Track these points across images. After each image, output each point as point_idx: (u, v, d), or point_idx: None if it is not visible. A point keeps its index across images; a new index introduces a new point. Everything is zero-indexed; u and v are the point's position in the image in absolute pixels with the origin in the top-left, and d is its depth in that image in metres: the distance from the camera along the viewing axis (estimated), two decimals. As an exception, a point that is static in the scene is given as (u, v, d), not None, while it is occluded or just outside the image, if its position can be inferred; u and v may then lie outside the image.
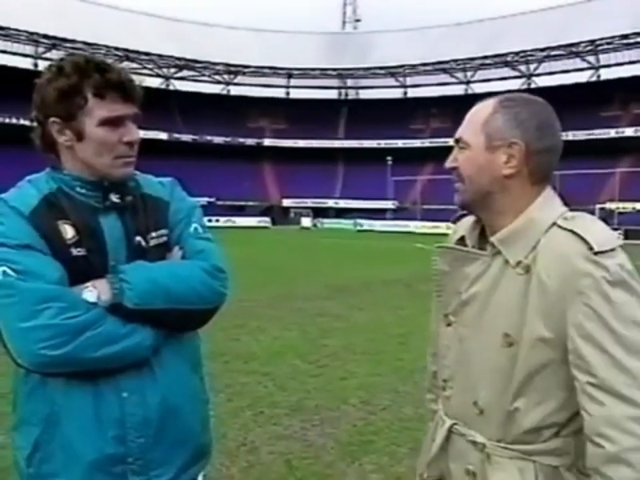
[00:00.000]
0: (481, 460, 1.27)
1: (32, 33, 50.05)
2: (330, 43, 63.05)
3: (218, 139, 60.01)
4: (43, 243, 1.33)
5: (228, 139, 60.46)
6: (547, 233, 1.20)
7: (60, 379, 1.35)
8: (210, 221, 49.12)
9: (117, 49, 53.97)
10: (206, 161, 55.68)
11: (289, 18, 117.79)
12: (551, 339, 1.15)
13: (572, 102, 49.35)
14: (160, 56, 57.07)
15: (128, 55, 55.75)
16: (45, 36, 50.67)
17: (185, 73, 62.16)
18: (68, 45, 52.30)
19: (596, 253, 1.11)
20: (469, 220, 1.39)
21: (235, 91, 65.35)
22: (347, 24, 72.62)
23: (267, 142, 62.25)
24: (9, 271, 1.27)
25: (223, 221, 49.39)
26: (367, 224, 48.22)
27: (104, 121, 1.35)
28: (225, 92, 65.24)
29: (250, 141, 61.63)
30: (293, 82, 65.09)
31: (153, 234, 1.47)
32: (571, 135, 48.30)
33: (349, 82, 67.45)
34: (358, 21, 72.68)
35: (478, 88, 61.25)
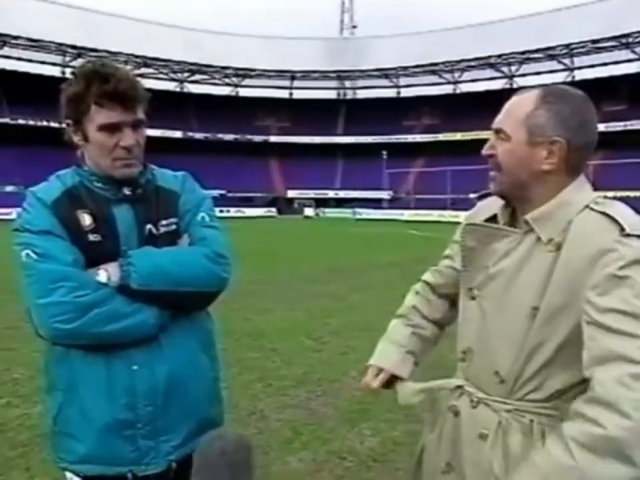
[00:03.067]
0: (498, 423, 1.21)
1: (60, 44, 49.70)
2: (329, 47, 62.43)
3: (228, 137, 59.74)
4: (62, 229, 1.38)
5: (237, 137, 60.19)
6: (579, 215, 1.14)
7: (79, 350, 1.39)
8: (221, 211, 49.09)
9: (135, 56, 53.58)
10: (217, 156, 55.47)
11: (291, 25, 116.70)
12: (570, 308, 1.10)
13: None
14: (175, 62, 56.64)
15: (146, 61, 55.34)
16: (72, 46, 50.27)
17: (197, 76, 61.71)
18: (92, 54, 51.95)
19: (626, 235, 1.06)
20: (499, 200, 1.30)
21: (243, 92, 64.90)
22: (345, 30, 71.93)
23: (273, 139, 61.92)
24: (31, 254, 1.34)
25: (233, 212, 49.35)
26: (364, 213, 48.10)
27: (102, 127, 1.37)
28: (234, 94, 64.78)
29: (257, 138, 61.32)
30: (295, 83, 64.62)
31: (163, 222, 1.49)
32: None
33: (347, 83, 66.91)
34: (355, 27, 71.89)
35: (465, 87, 60.83)
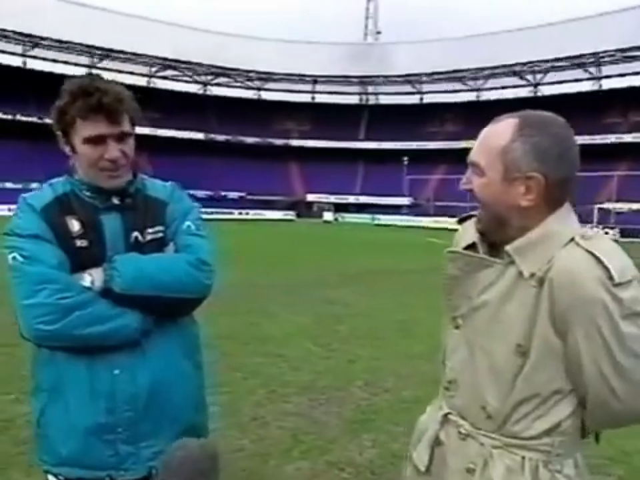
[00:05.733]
0: (484, 459, 1.19)
1: (87, 45, 50.61)
2: (352, 52, 62.46)
3: (249, 140, 60.10)
4: (50, 234, 1.42)
5: (258, 140, 60.50)
6: (563, 249, 1.09)
7: (63, 352, 1.41)
8: (240, 213, 49.54)
9: (159, 58, 54.35)
10: (238, 159, 55.86)
11: (315, 30, 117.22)
12: (558, 352, 1.11)
13: (575, 109, 48.33)
14: (198, 64, 57.23)
15: (170, 63, 56.08)
16: (99, 47, 51.19)
17: (220, 79, 62.28)
18: (119, 55, 52.87)
19: (615, 284, 1.03)
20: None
21: (265, 95, 65.31)
22: (368, 36, 71.88)
23: (294, 142, 62.11)
24: (18, 257, 1.38)
25: (252, 214, 49.68)
26: (383, 218, 47.95)
27: (86, 140, 1.41)
28: (256, 97, 65.21)
29: (278, 142, 61.56)
30: (317, 87, 64.80)
31: (150, 230, 1.52)
32: (579, 140, 47.49)
33: (370, 88, 66.85)
34: (379, 33, 71.81)
35: (488, 95, 60.30)
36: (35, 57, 52.44)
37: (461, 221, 1.37)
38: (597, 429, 1.23)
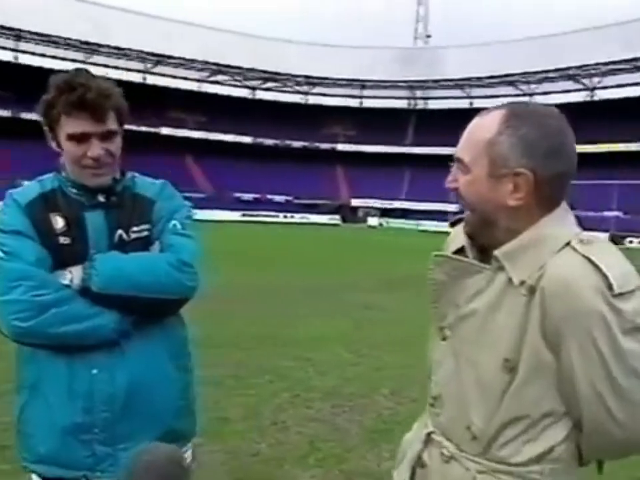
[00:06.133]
0: None
1: (141, 51, 52.39)
2: (401, 56, 62.09)
3: (296, 144, 60.61)
4: (33, 231, 1.41)
5: (305, 144, 60.94)
6: (557, 255, 0.99)
7: (44, 350, 1.40)
8: (285, 217, 49.93)
9: (208, 63, 55.61)
10: (285, 163, 56.38)
11: (363, 35, 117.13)
12: (549, 368, 1.00)
13: (635, 114, 46.29)
14: (248, 69, 58.20)
15: (220, 69, 57.26)
16: (152, 53, 52.90)
17: (269, 84, 63.11)
18: (171, 60, 54.47)
19: (614, 295, 0.93)
20: None
21: (312, 100, 65.71)
22: (418, 39, 71.17)
23: (340, 147, 62.18)
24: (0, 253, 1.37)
25: (297, 218, 49.98)
26: (428, 225, 47.26)
27: (70, 136, 1.40)
28: (303, 101, 65.74)
29: (324, 146, 61.78)
30: (366, 92, 64.70)
31: (135, 228, 1.49)
32: (634, 147, 45.67)
33: (418, 93, 66.21)
34: (429, 36, 71.06)
35: (541, 99, 58.59)
36: (94, 64, 54.65)
37: (453, 224, 1.27)
38: (596, 457, 1.11)
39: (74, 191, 1.47)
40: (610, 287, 0.93)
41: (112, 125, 1.43)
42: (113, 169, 1.48)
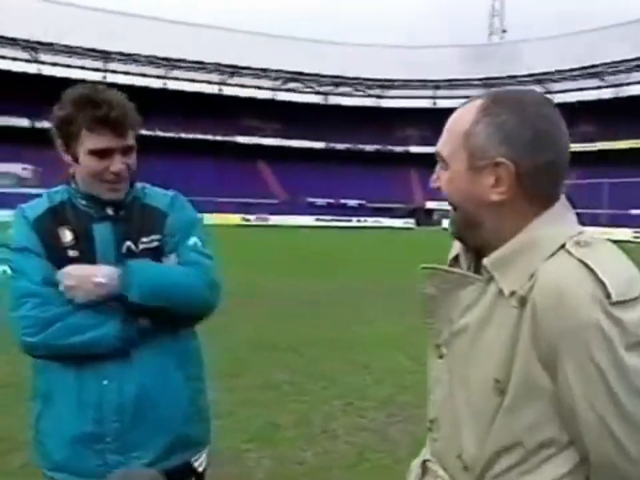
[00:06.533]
0: None
1: (218, 64, 54.42)
2: (475, 53, 60.34)
3: (369, 147, 60.47)
4: (40, 246, 1.44)
5: (378, 147, 60.66)
6: (551, 258, 0.88)
7: (55, 362, 1.45)
8: (359, 221, 49.86)
9: (280, 71, 56.78)
10: (357, 167, 56.34)
11: (434, 33, 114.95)
12: (544, 390, 0.88)
13: None
14: (320, 75, 58.82)
15: (294, 76, 58.31)
16: (228, 65, 54.79)
17: (341, 89, 63.42)
18: (245, 71, 56.21)
19: (614, 303, 0.81)
20: None
21: (384, 103, 65.33)
22: (493, 35, 68.83)
23: (413, 149, 61.30)
24: (7, 270, 1.43)
25: (370, 222, 49.79)
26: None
27: (91, 152, 1.41)
28: (376, 104, 65.48)
29: (398, 149, 61.21)
30: (439, 93, 63.47)
31: (144, 239, 1.50)
32: None
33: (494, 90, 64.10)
34: (504, 31, 68.57)
35: (630, 91, 54.85)
36: (175, 79, 57.42)
37: None
38: None
39: (83, 202, 1.49)
40: (608, 294, 0.81)
41: (131, 140, 1.46)
42: (127, 183, 1.50)
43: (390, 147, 61.08)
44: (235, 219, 44.55)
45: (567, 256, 0.86)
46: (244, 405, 4.35)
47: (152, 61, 52.75)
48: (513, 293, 0.90)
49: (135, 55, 50.78)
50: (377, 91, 64.21)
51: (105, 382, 1.43)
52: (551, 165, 0.91)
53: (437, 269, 1.05)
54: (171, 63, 53.68)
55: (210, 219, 42.60)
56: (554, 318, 0.84)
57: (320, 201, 52.66)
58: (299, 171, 53.75)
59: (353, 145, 59.87)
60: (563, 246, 0.88)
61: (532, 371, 0.88)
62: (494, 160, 0.91)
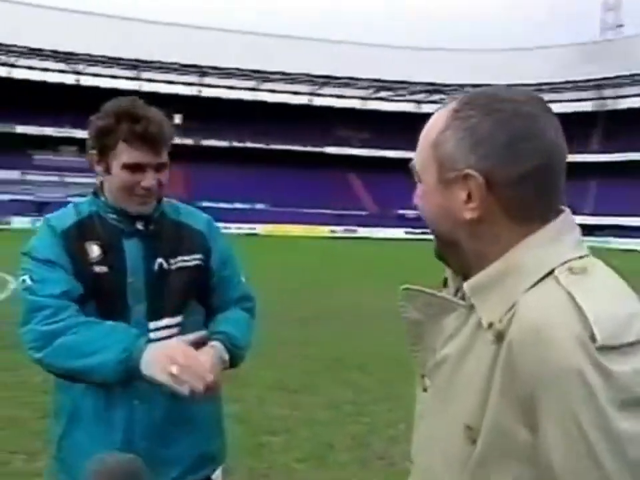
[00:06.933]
0: None
1: (307, 74, 55.78)
2: (584, 52, 57.13)
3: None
4: (66, 260, 1.45)
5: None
6: (535, 287, 0.75)
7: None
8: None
9: (373, 80, 57.05)
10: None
11: (530, 35, 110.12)
12: (522, 447, 0.73)
13: None
14: (412, 83, 58.43)
15: (385, 84, 58.38)
16: (317, 75, 55.99)
17: (435, 96, 62.62)
18: (333, 81, 57.11)
19: (600, 348, 0.67)
20: None
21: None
22: (608, 30, 64.73)
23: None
24: (27, 280, 1.43)
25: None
26: (621, 242, 42.33)
27: (126, 165, 1.43)
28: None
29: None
30: (545, 97, 60.69)
31: (182, 257, 1.54)
32: None
33: (607, 92, 60.21)
34: (620, 26, 64.28)
35: None
36: (267, 90, 59.58)
37: None
38: None
39: (113, 216, 1.50)
40: (593, 337, 0.67)
41: (165, 157, 1.49)
42: (156, 198, 1.52)
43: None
44: (322, 230, 45.04)
45: (554, 285, 0.74)
46: (303, 423, 4.32)
47: (245, 74, 55.03)
48: (490, 325, 0.78)
49: (227, 68, 53.24)
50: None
51: (136, 402, 1.44)
52: (535, 174, 0.78)
53: (420, 291, 0.93)
54: (261, 74, 55.71)
55: (296, 230, 43.78)
56: (531, 361, 0.71)
57: (410, 213, 51.96)
58: (389, 182, 53.35)
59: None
60: (551, 272, 0.75)
61: (504, 422, 0.75)
62: (462, 172, 0.79)
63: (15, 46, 46.36)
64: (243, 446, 3.52)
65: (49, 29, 44.30)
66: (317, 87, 58.89)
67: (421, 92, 61.73)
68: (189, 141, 50.18)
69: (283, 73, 55.00)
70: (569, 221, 0.81)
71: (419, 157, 0.88)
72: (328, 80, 57.04)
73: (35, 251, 1.46)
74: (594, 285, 0.73)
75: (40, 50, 47.47)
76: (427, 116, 0.88)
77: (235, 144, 54.40)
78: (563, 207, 0.83)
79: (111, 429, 1.43)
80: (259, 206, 48.37)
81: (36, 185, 44.87)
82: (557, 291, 0.73)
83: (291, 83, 58.28)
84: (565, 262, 0.75)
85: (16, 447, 3.63)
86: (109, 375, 1.33)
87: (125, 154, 1.42)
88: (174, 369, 1.24)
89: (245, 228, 41.53)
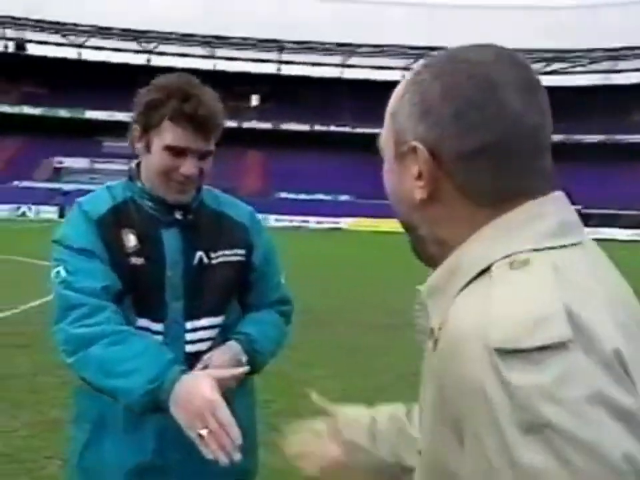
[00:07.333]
0: None
1: (401, 46, 55.27)
2: None
3: (589, 138, 56.07)
4: (103, 249, 1.46)
5: (602, 137, 55.98)
6: (467, 288, 0.71)
7: None
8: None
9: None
10: (575, 162, 52.61)
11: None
12: (451, 467, 0.68)
13: None
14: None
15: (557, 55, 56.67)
16: (417, 47, 55.34)
17: (555, 65, 59.93)
18: (433, 53, 56.17)
19: (498, 351, 0.61)
20: None
21: (617, 78, 60.18)
22: None
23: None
24: (62, 272, 1.43)
25: (587, 232, 45.81)
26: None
27: (167, 147, 1.44)
28: (604, 82, 60.66)
29: (632, 138, 55.82)
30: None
31: (221, 252, 1.56)
32: None
33: None
34: None
35: None
36: (351, 66, 59.67)
37: None
38: None
39: (150, 204, 1.52)
40: (489, 337, 0.62)
41: (212, 145, 1.50)
42: (195, 187, 1.53)
43: (619, 137, 55.91)
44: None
45: (485, 283, 0.69)
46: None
47: (329, 48, 55.41)
48: (432, 332, 0.75)
49: (309, 42, 53.86)
50: (604, 65, 59.34)
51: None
52: (490, 150, 0.72)
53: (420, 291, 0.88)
54: (351, 48, 55.87)
55: (384, 225, 43.44)
56: (451, 375, 0.67)
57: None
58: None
59: (567, 135, 55.94)
60: (488, 268, 0.70)
61: (436, 438, 0.71)
62: (410, 144, 0.77)
63: (81, 25, 49.50)
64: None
65: (117, 6, 46.99)
66: (411, 60, 58.26)
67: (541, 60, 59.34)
68: (266, 125, 51.38)
69: (374, 46, 54.83)
70: (542, 206, 0.73)
71: (383, 130, 0.85)
72: (425, 52, 56.26)
73: (69, 239, 1.47)
74: (521, 279, 0.66)
75: (109, 29, 50.46)
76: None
77: (317, 127, 54.97)
78: (543, 191, 0.75)
79: (141, 438, 1.45)
80: (343, 197, 48.42)
81: (105, 174, 47.64)
82: (483, 290, 0.68)
83: (383, 57, 58.03)
84: (510, 255, 0.69)
85: (52, 452, 3.84)
86: (134, 404, 1.34)
87: (168, 134, 1.42)
88: (204, 432, 1.24)
89: (327, 222, 41.87)
